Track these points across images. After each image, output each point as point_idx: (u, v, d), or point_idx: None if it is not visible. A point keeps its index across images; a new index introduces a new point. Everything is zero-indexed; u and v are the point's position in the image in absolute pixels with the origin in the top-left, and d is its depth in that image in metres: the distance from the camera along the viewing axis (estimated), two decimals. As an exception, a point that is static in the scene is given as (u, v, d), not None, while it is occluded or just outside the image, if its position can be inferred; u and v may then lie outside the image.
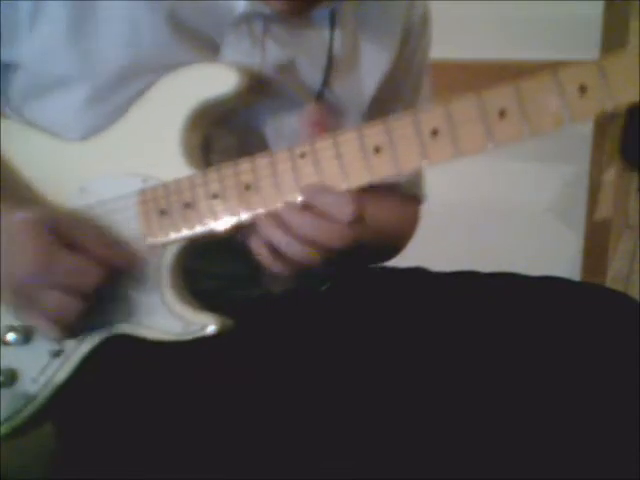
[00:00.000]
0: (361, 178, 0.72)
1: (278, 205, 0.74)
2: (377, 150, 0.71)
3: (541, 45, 1.81)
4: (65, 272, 0.74)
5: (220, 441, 0.79)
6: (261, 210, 0.75)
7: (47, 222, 0.75)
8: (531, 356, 0.80)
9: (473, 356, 0.83)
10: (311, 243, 0.72)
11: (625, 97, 0.63)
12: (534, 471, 0.76)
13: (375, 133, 0.71)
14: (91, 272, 0.75)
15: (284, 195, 0.74)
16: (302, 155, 0.74)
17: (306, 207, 0.73)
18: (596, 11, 1.77)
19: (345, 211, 0.71)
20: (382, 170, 0.71)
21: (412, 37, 0.96)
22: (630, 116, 1.83)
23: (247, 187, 0.76)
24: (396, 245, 1.03)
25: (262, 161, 0.75)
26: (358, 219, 0.71)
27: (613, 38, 1.77)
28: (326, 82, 0.87)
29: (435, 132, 0.69)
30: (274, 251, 0.74)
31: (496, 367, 0.81)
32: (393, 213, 1.00)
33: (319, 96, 0.87)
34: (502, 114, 0.66)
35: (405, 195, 1.04)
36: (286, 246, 0.73)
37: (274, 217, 0.74)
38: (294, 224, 0.72)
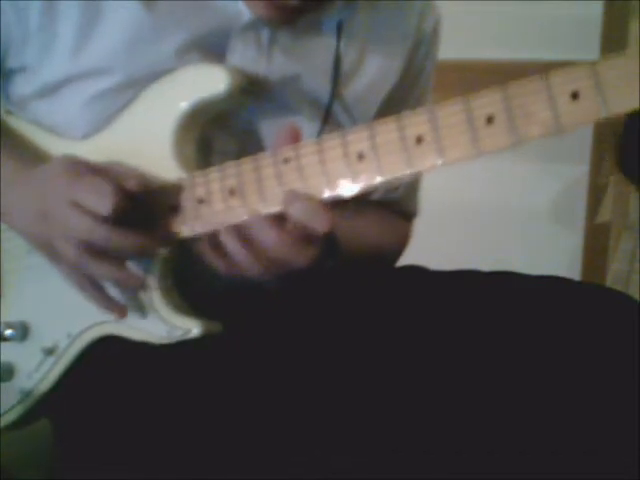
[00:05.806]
0: (344, 186, 0.70)
1: (261, 211, 0.72)
2: (360, 157, 0.69)
3: (541, 45, 1.81)
4: (85, 189, 0.73)
5: (215, 437, 0.79)
6: (244, 216, 0.73)
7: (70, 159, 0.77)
8: (531, 355, 0.80)
9: (472, 355, 0.82)
10: (272, 261, 0.71)
11: (621, 106, 0.59)
12: (533, 470, 0.76)
13: (359, 139, 0.69)
14: (108, 191, 0.72)
15: (267, 201, 0.72)
16: (286, 161, 0.72)
17: (276, 223, 0.71)
18: (596, 11, 1.77)
19: (320, 221, 0.69)
20: (366, 178, 0.69)
21: (422, 48, 0.96)
22: (628, 128, 1.80)
23: (232, 192, 0.74)
24: (378, 262, 1.00)
25: (247, 166, 0.74)
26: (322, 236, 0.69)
27: (613, 38, 1.77)
28: (334, 94, 0.87)
29: (420, 139, 0.66)
30: (230, 261, 0.72)
31: (495, 366, 0.81)
32: (373, 230, 0.99)
33: (328, 108, 0.87)
34: (489, 120, 0.63)
35: (393, 211, 1.03)
36: (245, 261, 0.71)
37: (239, 230, 0.72)
38: (259, 240, 0.71)
